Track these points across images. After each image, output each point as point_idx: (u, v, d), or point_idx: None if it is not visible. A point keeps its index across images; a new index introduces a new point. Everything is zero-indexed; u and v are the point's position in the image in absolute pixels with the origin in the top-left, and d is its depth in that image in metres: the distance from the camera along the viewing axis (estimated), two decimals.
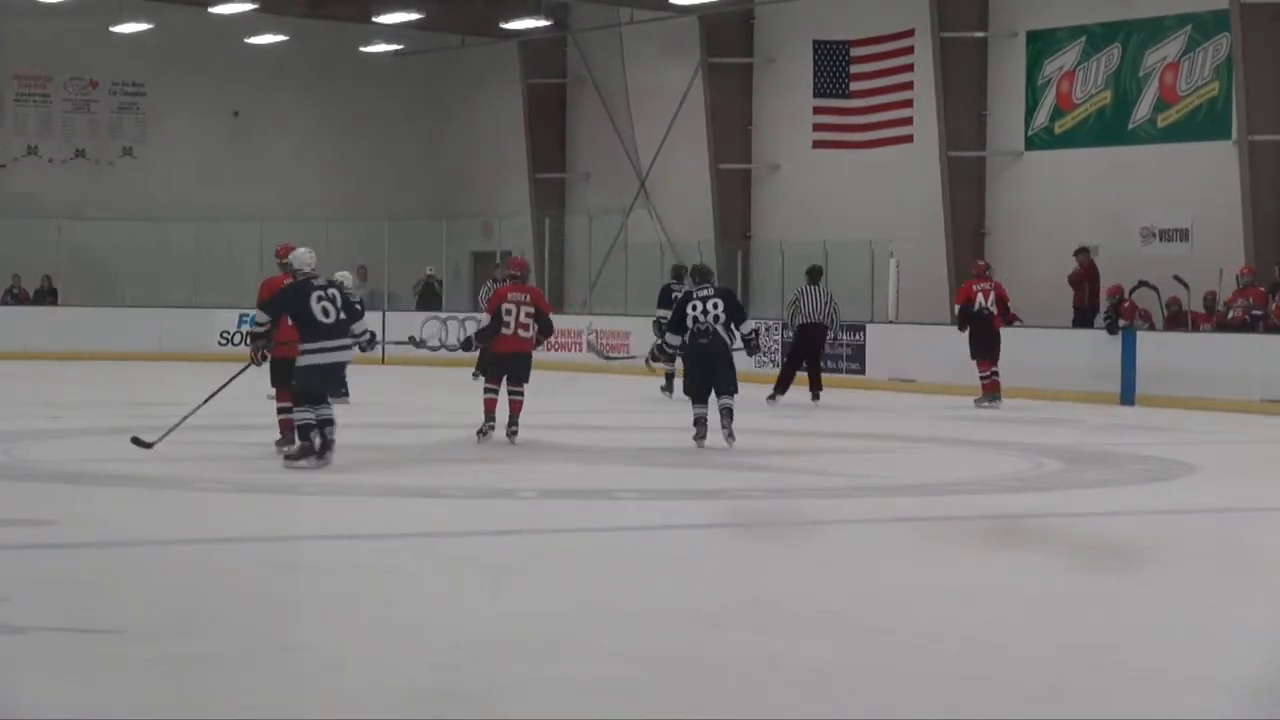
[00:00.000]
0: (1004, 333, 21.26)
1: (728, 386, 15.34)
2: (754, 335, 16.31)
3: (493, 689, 6.31)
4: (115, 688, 6.23)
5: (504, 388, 15.41)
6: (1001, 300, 21.50)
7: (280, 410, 13.97)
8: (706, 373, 15.46)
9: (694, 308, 15.43)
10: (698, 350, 15.46)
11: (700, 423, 15.36)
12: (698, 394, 15.49)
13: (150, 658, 6.70)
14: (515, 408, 15.29)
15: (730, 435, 15.11)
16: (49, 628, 7.21)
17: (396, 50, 34.30)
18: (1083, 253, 24.95)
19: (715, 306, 15.41)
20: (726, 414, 15.21)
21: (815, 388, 21.13)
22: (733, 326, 15.51)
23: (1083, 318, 24.56)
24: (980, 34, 27.01)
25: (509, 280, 15.77)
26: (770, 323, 25.34)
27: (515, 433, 15.23)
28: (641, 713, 6.03)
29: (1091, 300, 24.54)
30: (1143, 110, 25.13)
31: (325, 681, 6.39)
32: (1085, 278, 24.80)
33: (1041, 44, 26.38)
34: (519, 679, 6.44)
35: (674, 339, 15.81)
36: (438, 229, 33.21)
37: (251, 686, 6.30)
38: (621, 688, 6.35)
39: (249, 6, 31.30)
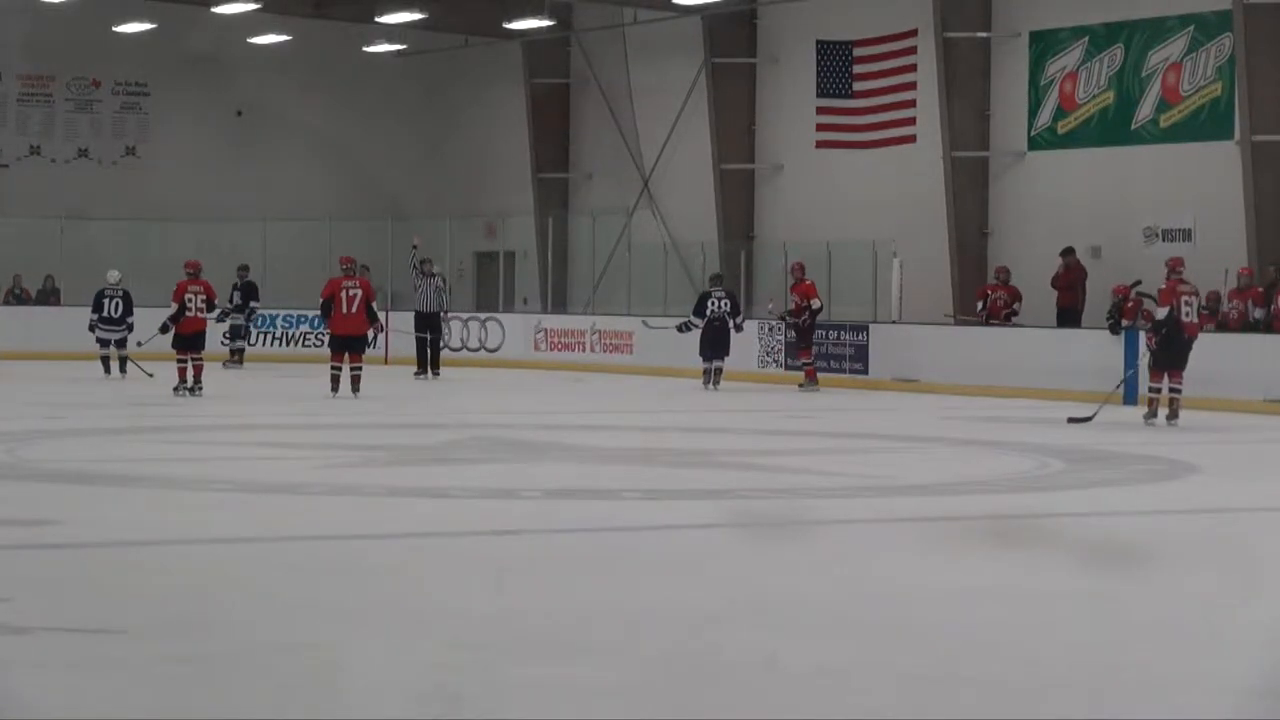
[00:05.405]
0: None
1: (722, 353, 24.08)
2: (742, 321, 24.65)
3: (493, 689, 6.31)
4: (115, 688, 6.23)
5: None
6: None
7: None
8: (714, 343, 23.90)
9: (711, 302, 24.10)
10: (712, 328, 23.99)
11: (707, 374, 23.97)
12: (708, 356, 24.01)
13: (150, 658, 6.70)
14: (198, 370, 21.10)
15: (717, 386, 23.71)
16: (49, 628, 7.20)
17: (399, 50, 34.30)
18: (1069, 254, 24.96)
19: (723, 301, 24.17)
20: (718, 373, 23.96)
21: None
22: (733, 318, 24.07)
23: (1071, 317, 24.52)
24: (983, 34, 27.00)
25: (188, 276, 21.58)
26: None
27: (200, 389, 20.89)
28: (642, 713, 6.03)
29: (1084, 300, 24.59)
30: (1145, 110, 25.12)
31: (326, 682, 6.38)
32: (1072, 279, 24.78)
33: (1044, 44, 26.36)
34: (520, 679, 6.43)
35: (697, 320, 24.27)
36: (441, 229, 33.20)
37: (252, 687, 6.29)
38: (622, 688, 6.34)
39: (252, 6, 31.31)
